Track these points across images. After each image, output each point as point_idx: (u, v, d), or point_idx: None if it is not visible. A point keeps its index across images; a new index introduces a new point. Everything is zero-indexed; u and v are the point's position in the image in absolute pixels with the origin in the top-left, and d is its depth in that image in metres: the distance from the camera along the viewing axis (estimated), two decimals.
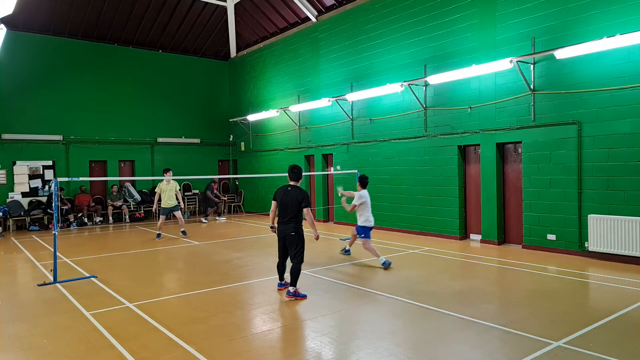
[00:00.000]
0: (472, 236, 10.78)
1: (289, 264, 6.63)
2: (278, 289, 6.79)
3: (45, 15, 15.29)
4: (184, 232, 12.52)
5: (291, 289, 6.31)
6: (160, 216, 12.33)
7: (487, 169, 10.18)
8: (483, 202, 10.25)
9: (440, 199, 11.05)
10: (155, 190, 12.53)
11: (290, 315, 5.72)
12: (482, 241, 10.31)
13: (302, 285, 6.90)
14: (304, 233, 6.56)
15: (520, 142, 9.60)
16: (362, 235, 8.45)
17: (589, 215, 8.40)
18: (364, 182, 8.69)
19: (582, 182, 8.57)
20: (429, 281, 7.06)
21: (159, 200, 12.30)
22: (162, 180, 12.28)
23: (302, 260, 6.44)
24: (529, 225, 9.39)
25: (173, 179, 12.34)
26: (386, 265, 8.00)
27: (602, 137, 8.27)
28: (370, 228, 8.54)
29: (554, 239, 8.98)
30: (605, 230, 8.15)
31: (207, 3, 17.37)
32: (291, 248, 6.44)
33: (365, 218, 8.46)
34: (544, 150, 9.09)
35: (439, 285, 6.83)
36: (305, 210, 6.38)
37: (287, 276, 6.73)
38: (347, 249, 9.28)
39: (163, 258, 9.58)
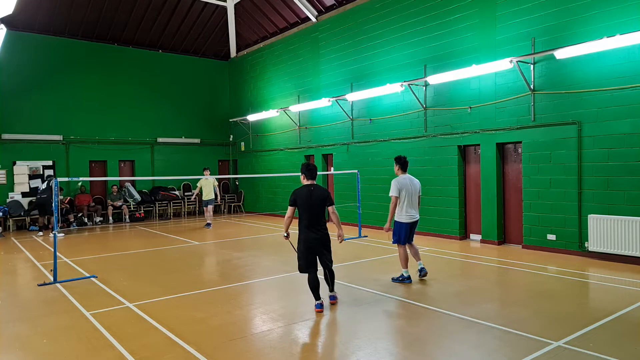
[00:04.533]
0: (472, 236, 10.78)
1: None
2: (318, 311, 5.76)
3: (45, 15, 15.29)
4: (208, 225, 14.17)
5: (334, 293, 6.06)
6: (204, 208, 14.38)
7: (487, 169, 10.18)
8: (483, 202, 10.25)
9: (440, 199, 11.04)
10: (197, 185, 14.46)
11: (290, 315, 5.71)
12: (482, 241, 10.31)
13: (301, 285, 6.94)
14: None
15: (520, 142, 9.60)
16: (394, 240, 7.01)
17: (589, 215, 8.40)
18: (404, 164, 7.05)
19: (582, 182, 8.57)
20: (429, 281, 7.05)
21: (200, 193, 14.44)
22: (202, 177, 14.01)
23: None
24: (529, 225, 9.39)
25: (211, 177, 14.16)
26: (396, 280, 6.98)
27: (602, 137, 8.27)
28: (407, 225, 6.87)
29: (554, 239, 8.98)
30: (605, 230, 8.15)
31: (207, 3, 17.37)
32: (323, 250, 5.89)
33: (402, 212, 6.88)
34: (544, 150, 9.09)
35: (439, 285, 6.83)
36: (330, 208, 5.88)
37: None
38: (420, 267, 7.11)
39: (163, 258, 9.58)
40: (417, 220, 7.04)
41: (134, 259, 9.47)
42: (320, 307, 5.72)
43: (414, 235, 7.22)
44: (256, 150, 18.15)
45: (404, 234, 6.94)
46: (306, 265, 5.79)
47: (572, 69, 8.63)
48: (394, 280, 7.01)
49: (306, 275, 5.87)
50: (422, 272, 7.06)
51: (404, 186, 6.88)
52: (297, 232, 5.91)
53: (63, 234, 13.21)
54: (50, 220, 13.96)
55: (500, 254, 9.01)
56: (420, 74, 11.29)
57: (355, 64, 13.31)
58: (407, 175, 7.06)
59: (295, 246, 5.97)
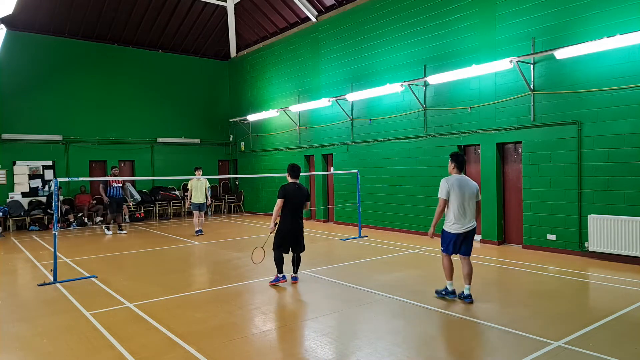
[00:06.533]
0: None
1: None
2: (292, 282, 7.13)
3: (45, 15, 15.29)
4: (200, 231, 12.61)
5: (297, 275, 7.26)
6: (194, 212, 12.62)
7: (487, 169, 10.18)
8: (483, 202, 10.23)
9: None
10: (187, 187, 12.82)
11: (290, 315, 5.72)
12: (482, 241, 10.30)
13: (302, 285, 6.99)
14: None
15: (520, 142, 9.60)
16: (442, 249, 5.99)
17: (589, 215, 8.40)
18: (461, 162, 5.92)
19: (582, 182, 8.56)
20: (429, 281, 7.05)
21: (191, 197, 12.60)
22: (193, 177, 12.58)
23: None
24: (529, 225, 9.39)
25: (203, 177, 12.55)
26: (439, 294, 6.01)
27: (602, 137, 8.27)
28: (455, 236, 5.79)
29: (554, 239, 8.98)
30: (605, 230, 8.15)
31: (207, 3, 17.37)
32: (300, 240, 7.11)
33: (451, 220, 5.82)
34: (544, 150, 9.09)
35: (439, 285, 6.80)
36: (307, 204, 7.19)
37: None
38: (466, 293, 5.89)
39: (163, 258, 9.58)
40: (471, 230, 5.83)
41: (134, 259, 9.47)
42: (284, 279, 7.04)
43: (471, 249, 5.98)
44: (256, 150, 18.15)
45: (451, 245, 5.86)
46: (281, 245, 6.98)
47: (572, 69, 8.63)
48: (437, 293, 6.06)
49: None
50: (467, 299, 5.82)
51: (454, 188, 5.73)
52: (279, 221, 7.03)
53: (125, 231, 13.22)
54: (119, 218, 13.37)
55: (500, 254, 9.01)
56: (420, 74, 11.29)
57: (355, 64, 13.31)
58: (463, 176, 5.89)
59: (267, 241, 7.37)
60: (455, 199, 5.72)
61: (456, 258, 6.06)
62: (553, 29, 8.89)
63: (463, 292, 5.90)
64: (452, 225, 5.78)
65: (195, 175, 12.52)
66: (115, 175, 12.90)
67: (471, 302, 5.80)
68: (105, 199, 13.04)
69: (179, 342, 4.74)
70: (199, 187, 12.51)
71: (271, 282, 7.04)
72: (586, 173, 8.51)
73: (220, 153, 19.67)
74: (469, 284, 5.87)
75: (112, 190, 12.80)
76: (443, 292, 6.03)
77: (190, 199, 12.56)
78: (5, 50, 14.32)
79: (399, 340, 4.75)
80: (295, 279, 7.13)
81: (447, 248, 5.91)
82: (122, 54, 17.26)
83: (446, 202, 5.78)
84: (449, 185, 5.76)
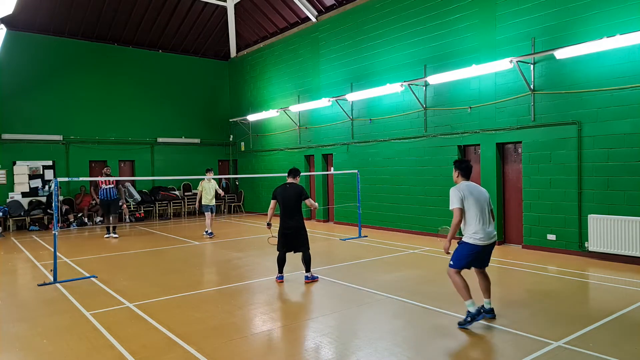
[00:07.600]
0: None
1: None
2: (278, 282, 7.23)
3: (45, 15, 15.29)
4: (209, 233, 12.25)
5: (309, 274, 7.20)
6: (205, 214, 12.33)
7: (487, 169, 10.18)
8: None
9: (440, 199, 11.03)
10: (197, 189, 12.59)
11: (290, 315, 5.72)
12: None
13: (302, 285, 7.00)
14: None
15: (520, 142, 9.60)
16: (451, 264, 5.15)
17: (589, 215, 8.40)
18: (466, 169, 5.32)
19: (582, 182, 8.56)
20: (429, 281, 7.05)
21: (200, 198, 12.34)
22: (204, 178, 12.33)
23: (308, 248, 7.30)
24: (529, 225, 9.39)
25: (213, 178, 12.41)
26: (464, 324, 5.00)
27: (602, 137, 8.27)
28: (478, 248, 5.11)
29: (554, 239, 8.98)
30: (605, 230, 8.14)
31: (207, 3, 17.37)
32: (298, 239, 7.14)
33: (472, 230, 5.11)
34: (544, 150, 9.09)
35: (439, 285, 6.82)
36: (306, 201, 7.11)
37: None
38: (487, 307, 5.27)
39: (163, 258, 9.58)
40: (494, 243, 5.28)
41: (134, 259, 9.47)
42: (280, 279, 7.20)
43: (489, 261, 5.44)
44: (256, 150, 18.15)
45: (466, 259, 5.11)
46: (280, 245, 7.18)
47: (572, 69, 8.63)
48: (462, 324, 5.01)
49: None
50: (489, 314, 5.24)
51: (468, 195, 5.09)
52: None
53: (117, 236, 12.50)
54: (114, 220, 12.67)
55: (500, 254, 9.01)
56: (420, 74, 11.29)
57: (355, 64, 13.31)
58: (471, 182, 5.29)
59: (273, 233, 7.42)
60: (473, 205, 5.08)
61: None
62: (553, 29, 8.88)
63: (483, 306, 5.23)
64: (475, 235, 5.07)
65: (206, 176, 12.24)
66: (107, 175, 12.49)
67: (494, 317, 5.26)
68: (97, 199, 12.82)
69: (179, 342, 4.74)
70: (208, 188, 12.28)
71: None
72: (586, 173, 8.51)
73: (220, 153, 19.67)
74: (489, 298, 5.30)
75: (102, 192, 12.33)
76: (469, 319, 4.96)
77: (200, 200, 12.33)
78: (5, 50, 14.32)
79: (399, 340, 4.75)
80: (306, 278, 7.14)
81: (459, 262, 5.10)
82: (122, 54, 17.26)
83: (462, 211, 5.07)
84: (462, 193, 5.09)
